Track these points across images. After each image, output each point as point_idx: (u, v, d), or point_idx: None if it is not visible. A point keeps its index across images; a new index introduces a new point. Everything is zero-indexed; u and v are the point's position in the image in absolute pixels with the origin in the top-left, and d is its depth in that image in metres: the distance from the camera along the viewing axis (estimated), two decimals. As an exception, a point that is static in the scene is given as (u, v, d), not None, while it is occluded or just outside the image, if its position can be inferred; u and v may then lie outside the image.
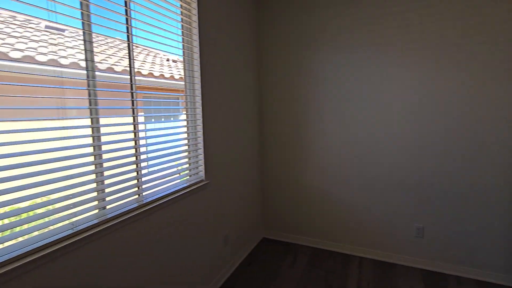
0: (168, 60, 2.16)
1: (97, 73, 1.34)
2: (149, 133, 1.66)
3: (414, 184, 2.33)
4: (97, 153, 1.33)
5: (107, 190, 1.39)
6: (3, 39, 1.05)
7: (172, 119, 2.00)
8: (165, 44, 1.69)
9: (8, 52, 1.07)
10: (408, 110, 2.29)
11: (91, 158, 1.33)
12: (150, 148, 1.65)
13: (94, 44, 1.33)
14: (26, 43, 1.11)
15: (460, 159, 2.17)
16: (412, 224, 2.37)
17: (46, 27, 1.20)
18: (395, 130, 2.35)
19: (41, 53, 1.15)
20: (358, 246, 2.59)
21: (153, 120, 1.80)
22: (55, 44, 1.19)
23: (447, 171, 2.21)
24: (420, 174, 2.30)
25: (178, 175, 1.85)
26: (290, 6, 2.62)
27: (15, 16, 1.10)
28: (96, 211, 1.35)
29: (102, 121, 1.37)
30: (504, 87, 2.01)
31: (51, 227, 1.16)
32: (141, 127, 1.58)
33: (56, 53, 1.20)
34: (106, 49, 1.46)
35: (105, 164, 1.38)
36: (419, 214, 2.34)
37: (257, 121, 2.84)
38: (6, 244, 1.03)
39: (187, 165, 1.93)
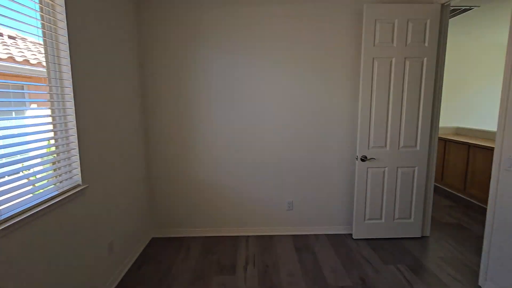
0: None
1: None
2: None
3: (286, 169, 2.84)
4: None
5: None
6: None
7: (18, 114, 1.61)
8: (16, 20, 1.33)
9: None
10: (283, 108, 2.75)
11: None
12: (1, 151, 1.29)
13: None
14: None
15: (316, 147, 2.81)
16: (285, 200, 2.90)
17: None
18: (272, 125, 2.77)
19: None
20: (244, 227, 2.92)
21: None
22: None
23: (308, 157, 2.82)
24: (291, 160, 2.83)
25: (32, 186, 1.53)
26: (176, 3, 2.57)
27: None
28: None
29: None
30: (343, 97, 2.74)
31: None
32: (-15, 125, 1.20)
33: None
34: None
35: None
36: (290, 192, 2.88)
37: (142, 116, 2.65)
38: None
39: (56, 169, 1.62)
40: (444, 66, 2.69)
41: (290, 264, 2.40)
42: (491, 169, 3.60)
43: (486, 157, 3.63)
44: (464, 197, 4.02)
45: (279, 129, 2.78)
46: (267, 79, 2.71)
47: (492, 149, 3.53)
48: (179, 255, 2.56)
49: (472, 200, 3.89)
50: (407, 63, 2.59)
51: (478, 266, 2.31)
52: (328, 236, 2.88)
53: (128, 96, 2.41)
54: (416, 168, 2.73)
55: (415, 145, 2.70)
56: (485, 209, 3.53)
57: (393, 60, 2.58)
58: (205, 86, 2.70)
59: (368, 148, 2.68)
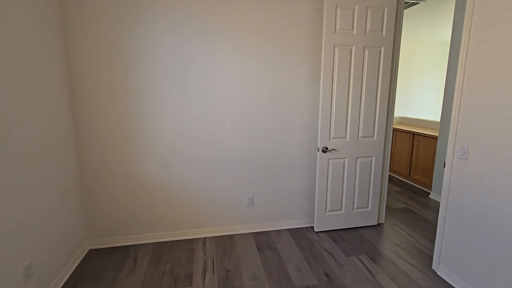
0: None
1: None
2: None
3: (244, 162, 2.62)
4: None
5: None
6: None
7: None
8: None
9: None
10: (242, 99, 2.49)
11: None
12: None
13: None
14: None
15: (276, 140, 2.64)
16: (245, 196, 2.69)
17: None
18: (229, 117, 2.50)
19: None
20: (201, 228, 2.65)
21: None
22: None
23: (268, 149, 2.64)
24: (251, 154, 2.61)
25: None
26: (104, -42, 2.08)
27: None
28: None
29: None
30: (304, 88, 2.59)
31: None
32: None
33: None
34: None
35: None
36: (250, 187, 2.68)
37: (67, 109, 2.14)
38: None
39: None
40: (399, 57, 2.72)
41: (252, 265, 2.23)
42: (432, 156, 3.93)
43: (428, 145, 3.92)
44: (408, 182, 4.32)
45: (238, 121, 2.54)
46: (223, 68, 2.42)
47: (433, 137, 3.81)
48: (124, 267, 2.18)
49: (415, 185, 4.19)
50: (366, 51, 2.54)
51: (430, 250, 2.43)
52: (290, 231, 2.78)
53: (44, 85, 1.90)
54: (374, 157, 2.75)
55: (373, 135, 2.72)
56: (427, 192, 3.83)
57: (353, 48, 2.51)
58: (152, 74, 2.29)
59: (329, 139, 2.61)
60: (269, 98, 2.56)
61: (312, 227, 2.83)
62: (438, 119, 6.07)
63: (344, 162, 2.69)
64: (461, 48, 1.88)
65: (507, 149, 1.63)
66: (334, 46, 2.46)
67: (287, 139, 2.67)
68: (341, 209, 2.77)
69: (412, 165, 4.23)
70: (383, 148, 2.77)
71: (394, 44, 2.65)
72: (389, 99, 2.74)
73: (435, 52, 5.65)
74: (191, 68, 2.36)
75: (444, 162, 2.02)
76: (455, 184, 1.98)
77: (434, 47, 5.58)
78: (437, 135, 3.79)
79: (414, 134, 4.17)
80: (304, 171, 2.78)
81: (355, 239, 2.62)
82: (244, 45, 2.42)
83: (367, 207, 2.84)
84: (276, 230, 2.78)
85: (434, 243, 2.55)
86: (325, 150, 2.59)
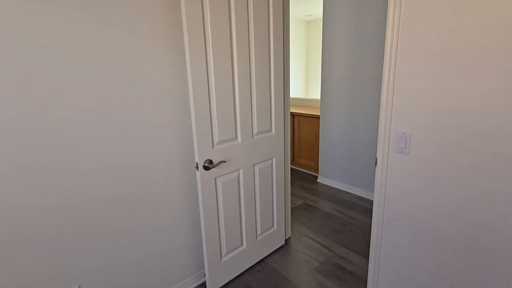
0: None
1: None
2: None
3: (64, 220, 1.20)
4: None
5: None
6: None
7: None
8: None
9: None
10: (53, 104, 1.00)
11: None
12: None
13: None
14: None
15: (123, 169, 1.34)
16: (62, 289, 1.30)
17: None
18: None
19: None
20: None
21: None
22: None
23: (111, 190, 1.32)
24: (75, 203, 1.21)
25: None
26: None
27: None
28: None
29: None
30: (161, 76, 1.36)
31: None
32: None
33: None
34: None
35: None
36: (77, 265, 1.30)
37: None
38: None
39: None
40: (289, 11, 1.95)
41: None
42: (315, 138, 3.68)
43: (310, 125, 3.61)
44: (295, 167, 4.00)
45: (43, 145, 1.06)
46: None
47: (314, 117, 3.51)
48: None
49: (302, 169, 3.90)
50: (251, 2, 1.60)
51: (354, 264, 1.95)
52: (169, 307, 1.65)
53: None
54: (274, 158, 1.97)
55: (271, 129, 1.90)
56: (314, 176, 3.57)
57: (231, -9, 1.50)
58: None
59: (213, 147, 1.58)
60: (104, 104, 1.21)
61: (204, 284, 1.82)
62: (307, 97, 6.22)
63: (238, 176, 1.75)
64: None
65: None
66: (199, -18, 1.36)
67: (142, 164, 1.43)
68: (242, 244, 1.87)
69: (295, 149, 3.89)
70: (283, 143, 2.02)
71: (283, -6, 1.84)
72: (284, 75, 1.96)
73: (294, 29, 5.55)
74: None
75: (376, 159, 1.41)
76: (393, 188, 1.43)
77: (292, 24, 5.44)
78: (317, 114, 3.50)
79: (294, 115, 3.78)
80: (180, 202, 1.65)
81: (267, 282, 1.81)
82: None
83: (273, 226, 2.08)
84: (144, 318, 1.58)
85: (352, 251, 2.10)
86: (208, 166, 1.55)
